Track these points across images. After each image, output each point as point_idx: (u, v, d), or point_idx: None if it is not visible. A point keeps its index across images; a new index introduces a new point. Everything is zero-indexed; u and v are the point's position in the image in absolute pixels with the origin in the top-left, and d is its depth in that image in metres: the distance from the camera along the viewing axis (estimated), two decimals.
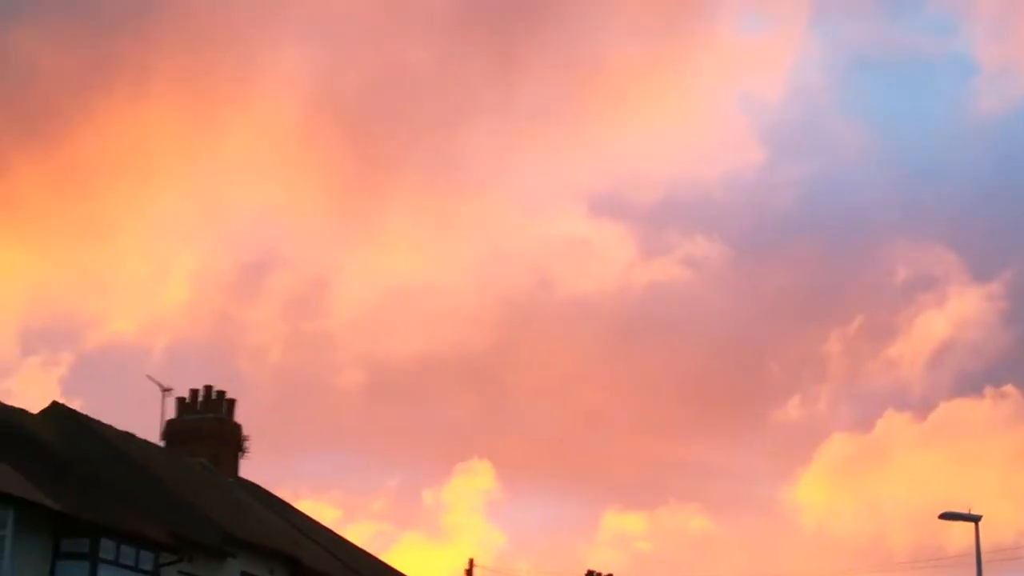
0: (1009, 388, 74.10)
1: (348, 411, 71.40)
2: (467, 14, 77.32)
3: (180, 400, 37.33)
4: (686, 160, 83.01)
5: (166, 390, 37.08)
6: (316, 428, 70.16)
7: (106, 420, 33.28)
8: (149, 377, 37.65)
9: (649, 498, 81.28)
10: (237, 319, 70.09)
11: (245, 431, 38.02)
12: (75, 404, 42.72)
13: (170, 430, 36.83)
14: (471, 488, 66.58)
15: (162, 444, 36.33)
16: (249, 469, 38.50)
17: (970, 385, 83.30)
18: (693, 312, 79.54)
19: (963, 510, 38.35)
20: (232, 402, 37.83)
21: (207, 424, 37.09)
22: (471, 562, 46.85)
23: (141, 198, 66.02)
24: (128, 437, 33.68)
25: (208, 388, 37.54)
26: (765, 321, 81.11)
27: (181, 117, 68.76)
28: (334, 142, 74.37)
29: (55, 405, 32.52)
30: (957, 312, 77.05)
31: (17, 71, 63.93)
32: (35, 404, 32.95)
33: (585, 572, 49.59)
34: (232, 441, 37.74)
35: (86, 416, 32.96)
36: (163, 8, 69.66)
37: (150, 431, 36.18)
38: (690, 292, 79.24)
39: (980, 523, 37.88)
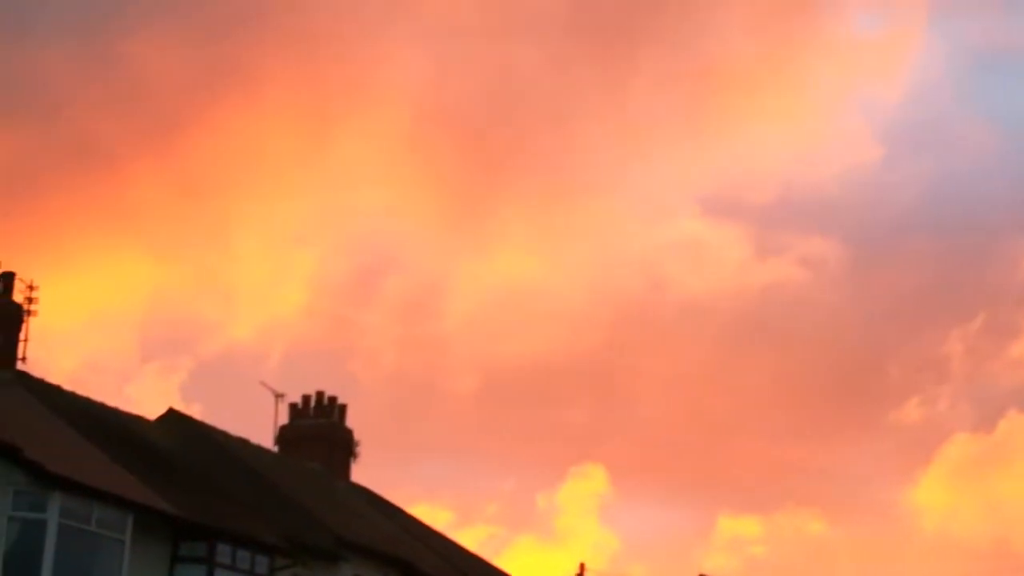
0: None
1: (462, 415, 71.41)
2: (578, 15, 76.87)
3: (292, 406, 37.81)
4: (802, 159, 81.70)
5: (279, 396, 37.55)
6: (430, 432, 70.21)
7: (224, 425, 33.90)
8: (262, 383, 38.16)
9: (765, 502, 79.88)
10: (352, 323, 70.42)
11: (358, 435, 38.39)
12: (194, 409, 43.48)
13: (283, 435, 37.27)
14: (584, 492, 66.37)
15: (275, 449, 36.81)
16: (361, 474, 38.85)
17: None
18: (809, 312, 78.19)
19: None
20: (343, 407, 38.23)
21: (319, 429, 37.51)
22: (581, 567, 46.79)
23: (257, 202, 66.70)
24: (242, 443, 34.18)
25: (320, 394, 38.00)
26: (883, 321, 79.50)
27: (295, 121, 69.49)
28: (446, 146, 74.70)
29: (171, 412, 33.12)
30: None
31: (133, 77, 65.08)
32: (154, 410, 33.60)
33: None
34: (344, 446, 38.12)
35: (201, 422, 33.53)
36: (276, 13, 70.44)
37: (266, 436, 36.78)
38: (806, 292, 77.97)
39: None
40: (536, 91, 74.82)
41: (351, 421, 38.21)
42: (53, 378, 30.11)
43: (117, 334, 63.90)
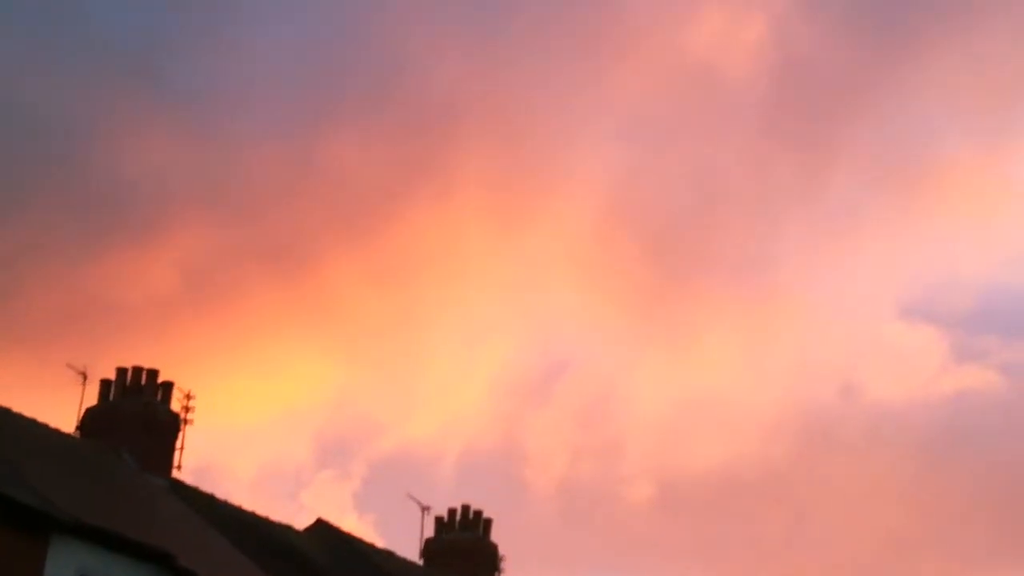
0: None
1: (636, 525, 69.37)
2: (775, 114, 74.46)
3: (438, 519, 37.95)
4: (1007, 262, 78.64)
5: (424, 508, 37.71)
6: (601, 542, 68.26)
7: (388, 533, 34.09)
8: (409, 495, 38.33)
9: None
10: (529, 425, 69.20)
11: (524, 541, 38.36)
12: (366, 518, 43.40)
13: (428, 548, 37.40)
14: None
15: (421, 562, 36.88)
16: None
17: None
18: (1010, 423, 74.65)
19: None
20: (489, 521, 38.25)
21: (463, 543, 37.55)
22: None
23: (445, 300, 66.21)
24: (388, 555, 34.32)
25: (465, 507, 38.10)
26: None
27: (485, 219, 69.14)
28: (635, 245, 73.30)
29: (320, 522, 33.46)
30: None
31: (330, 176, 66.18)
32: (326, 515, 34.11)
33: None
34: (488, 561, 38.09)
35: (348, 533, 33.80)
36: (469, 111, 70.86)
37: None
38: (1007, 401, 74.32)
39: None
40: (729, 191, 73.20)
41: (516, 529, 38.13)
42: (225, 484, 30.65)
43: (295, 436, 63.93)
